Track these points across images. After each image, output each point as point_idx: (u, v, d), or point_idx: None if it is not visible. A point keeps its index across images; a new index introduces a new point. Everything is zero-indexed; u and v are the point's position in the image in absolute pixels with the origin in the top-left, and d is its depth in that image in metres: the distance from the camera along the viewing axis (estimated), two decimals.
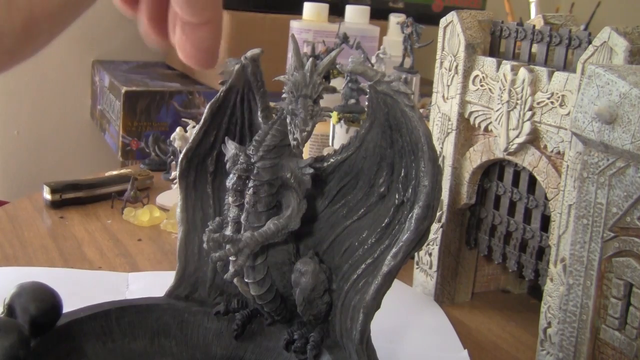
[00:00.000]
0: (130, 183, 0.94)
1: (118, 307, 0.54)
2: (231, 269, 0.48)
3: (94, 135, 1.80)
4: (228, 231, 0.50)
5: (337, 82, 0.96)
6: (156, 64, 1.79)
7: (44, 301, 0.49)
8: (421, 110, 0.73)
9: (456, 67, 0.68)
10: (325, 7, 1.26)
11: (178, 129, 1.00)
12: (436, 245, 0.72)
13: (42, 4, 0.25)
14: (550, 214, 0.60)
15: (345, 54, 0.74)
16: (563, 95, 0.57)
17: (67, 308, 0.51)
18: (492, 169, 0.69)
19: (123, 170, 1.09)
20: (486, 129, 0.66)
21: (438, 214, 0.71)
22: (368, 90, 0.46)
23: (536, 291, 0.74)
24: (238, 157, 0.48)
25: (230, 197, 0.49)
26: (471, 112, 0.67)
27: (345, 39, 1.02)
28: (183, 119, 1.11)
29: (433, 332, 0.68)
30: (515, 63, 0.62)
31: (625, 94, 0.45)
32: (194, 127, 0.95)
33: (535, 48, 0.64)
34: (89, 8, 0.28)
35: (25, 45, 0.26)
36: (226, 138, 0.50)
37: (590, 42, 0.55)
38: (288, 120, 0.45)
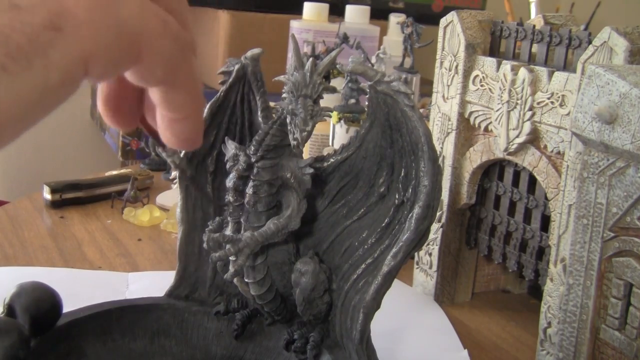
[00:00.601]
0: (130, 183, 0.94)
1: (118, 307, 0.54)
2: (231, 269, 0.48)
3: (94, 135, 1.80)
4: (228, 231, 0.50)
5: (337, 82, 0.96)
6: None
7: (44, 301, 0.49)
8: (421, 110, 0.73)
9: (456, 67, 0.68)
10: (325, 7, 1.26)
11: None
12: (436, 245, 0.72)
13: (4, 110, 0.23)
14: (550, 214, 0.60)
15: (345, 54, 0.74)
16: (563, 95, 0.57)
17: (67, 308, 0.51)
18: (492, 169, 0.69)
19: (123, 170, 1.09)
20: (486, 129, 0.66)
21: (438, 214, 0.71)
22: (368, 90, 0.46)
23: (536, 291, 0.74)
24: (238, 157, 0.48)
25: (230, 197, 0.49)
26: (471, 112, 0.67)
27: (345, 39, 1.02)
28: None
29: (433, 332, 0.68)
30: (515, 63, 0.62)
31: (625, 94, 0.45)
32: None
33: (535, 48, 0.64)
34: (58, 106, 0.26)
35: None
36: (226, 138, 0.50)
37: (590, 42, 0.55)
38: (288, 120, 0.45)
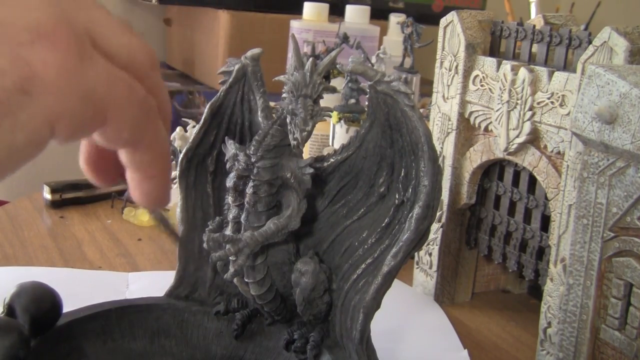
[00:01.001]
0: None
1: (118, 307, 0.54)
2: (231, 269, 0.48)
3: None
4: (228, 231, 0.50)
5: (337, 82, 0.96)
6: None
7: (44, 301, 0.49)
8: (421, 110, 0.73)
9: (456, 67, 0.68)
10: (325, 7, 1.26)
11: (178, 129, 1.00)
12: (436, 245, 0.72)
13: None
14: (550, 214, 0.60)
15: (345, 54, 0.74)
16: (563, 95, 0.57)
17: (67, 308, 0.51)
18: (492, 169, 0.69)
19: None
20: (486, 129, 0.66)
21: (438, 214, 0.71)
22: (368, 90, 0.46)
23: (536, 291, 0.74)
24: (238, 157, 0.48)
25: (230, 197, 0.49)
26: (471, 112, 0.67)
27: (345, 39, 1.02)
28: (183, 119, 1.11)
29: (433, 332, 0.68)
30: (515, 63, 0.62)
31: (626, 94, 0.45)
32: (194, 127, 0.95)
33: (535, 48, 0.64)
34: (25, 164, 0.28)
35: None
36: (226, 138, 0.50)
37: (590, 42, 0.55)
38: (288, 120, 0.45)
